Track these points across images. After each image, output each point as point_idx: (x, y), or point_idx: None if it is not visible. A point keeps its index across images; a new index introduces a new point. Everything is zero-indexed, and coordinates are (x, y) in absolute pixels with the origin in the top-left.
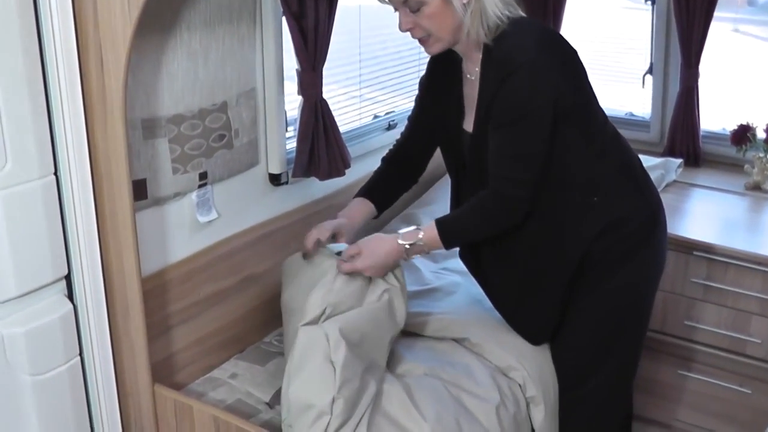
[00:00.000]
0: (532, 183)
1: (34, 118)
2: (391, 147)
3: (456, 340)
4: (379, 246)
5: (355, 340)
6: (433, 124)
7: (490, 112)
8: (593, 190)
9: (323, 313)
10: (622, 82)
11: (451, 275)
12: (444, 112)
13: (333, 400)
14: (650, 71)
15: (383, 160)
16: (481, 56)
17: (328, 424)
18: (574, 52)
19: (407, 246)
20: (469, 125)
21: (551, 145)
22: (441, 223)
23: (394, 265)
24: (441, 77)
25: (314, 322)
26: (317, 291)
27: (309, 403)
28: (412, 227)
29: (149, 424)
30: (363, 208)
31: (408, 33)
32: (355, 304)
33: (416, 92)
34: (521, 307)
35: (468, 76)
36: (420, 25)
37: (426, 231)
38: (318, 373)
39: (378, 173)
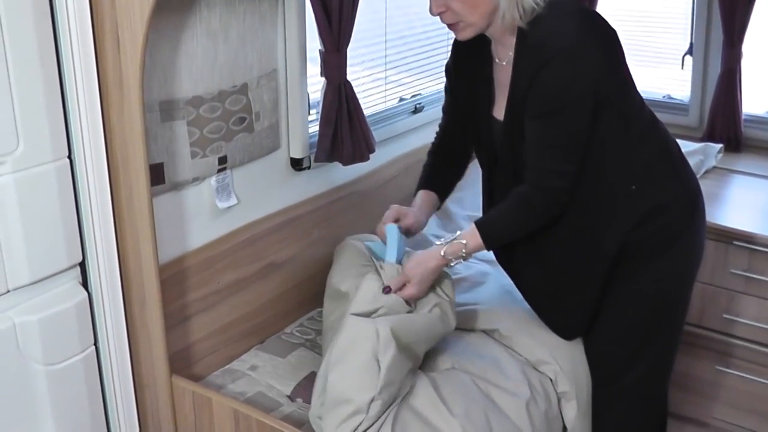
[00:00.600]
0: (573, 173)
1: (47, 100)
2: (434, 140)
3: (485, 332)
4: (425, 268)
5: (404, 344)
6: (465, 112)
7: (526, 101)
8: (630, 178)
9: (376, 311)
10: (659, 63)
11: (479, 264)
12: (473, 99)
13: (372, 400)
14: (690, 51)
15: (429, 154)
16: (514, 40)
17: (360, 424)
18: (614, 33)
19: (452, 260)
20: (499, 113)
21: (590, 132)
22: (483, 228)
23: (437, 275)
24: (467, 61)
25: (366, 315)
26: (373, 283)
27: (346, 398)
28: (454, 237)
29: (166, 416)
30: (429, 199)
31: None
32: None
33: (444, 74)
34: (554, 301)
35: (498, 60)
36: (452, 8)
37: (469, 240)
38: (361, 369)
39: (427, 167)
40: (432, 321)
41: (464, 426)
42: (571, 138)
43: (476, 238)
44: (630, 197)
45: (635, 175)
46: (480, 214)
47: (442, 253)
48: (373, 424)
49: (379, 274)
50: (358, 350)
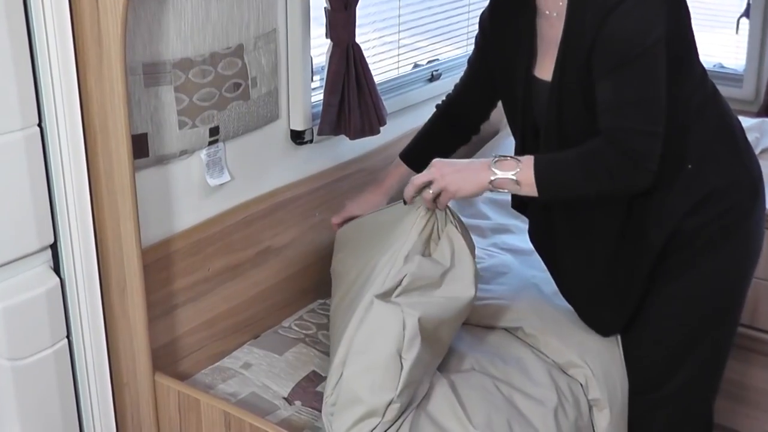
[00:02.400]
0: (660, 134)
1: (14, 60)
2: (448, 94)
3: (507, 330)
4: (463, 161)
5: (429, 332)
6: (495, 70)
7: (586, 59)
8: (686, 157)
9: (399, 283)
10: (710, 27)
11: (501, 254)
12: (509, 56)
13: (390, 403)
14: (746, 14)
15: (436, 107)
16: None
17: (374, 429)
18: None
19: (498, 173)
20: (543, 72)
21: None
22: (540, 162)
23: (479, 186)
24: (507, 12)
25: (388, 294)
26: (389, 251)
27: (360, 397)
28: (510, 156)
29: (148, 419)
30: (397, 174)
31: None
32: (435, 280)
33: (465, 38)
34: (592, 294)
35: (547, 12)
36: None
37: (522, 167)
38: (383, 366)
39: (427, 124)
40: (457, 294)
41: None
42: (654, 90)
43: (530, 169)
44: (685, 178)
45: (692, 153)
46: (505, 197)
47: (491, 166)
48: (387, 429)
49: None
50: (381, 343)
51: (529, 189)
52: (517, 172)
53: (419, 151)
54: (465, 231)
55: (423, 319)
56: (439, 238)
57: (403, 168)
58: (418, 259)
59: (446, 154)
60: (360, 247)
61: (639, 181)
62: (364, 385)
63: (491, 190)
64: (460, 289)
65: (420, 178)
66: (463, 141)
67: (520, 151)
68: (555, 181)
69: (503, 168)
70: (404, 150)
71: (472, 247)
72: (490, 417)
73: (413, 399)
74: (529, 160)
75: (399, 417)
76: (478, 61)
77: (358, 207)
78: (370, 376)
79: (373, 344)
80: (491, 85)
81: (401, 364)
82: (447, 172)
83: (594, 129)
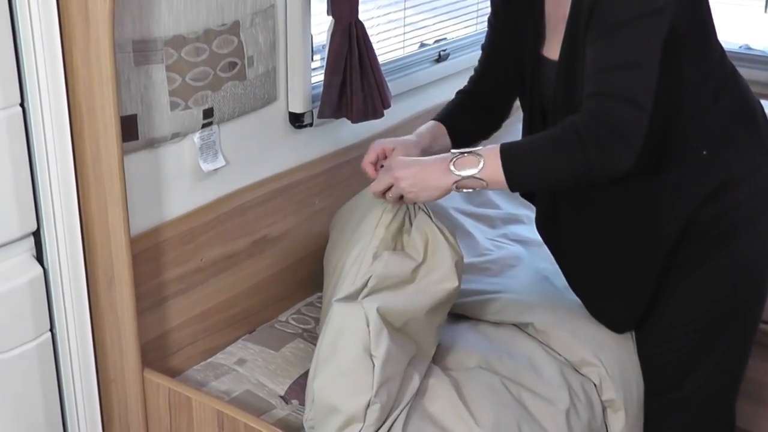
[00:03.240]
0: (646, 110)
1: None
2: (467, 81)
3: (516, 326)
4: (422, 173)
5: (398, 324)
6: (509, 51)
7: (589, 27)
8: (702, 141)
9: (365, 284)
10: (736, 4)
11: (511, 245)
12: (519, 35)
13: (368, 405)
14: None
15: (457, 93)
16: None
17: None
18: None
19: (459, 175)
20: (552, 51)
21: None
22: (507, 149)
23: (440, 191)
24: None
25: (353, 297)
26: (355, 249)
27: (335, 406)
28: (470, 150)
29: (136, 418)
30: (436, 130)
31: None
32: (407, 277)
33: (475, 16)
34: (602, 289)
35: None
36: None
37: (487, 157)
38: (352, 368)
39: (455, 103)
40: (430, 287)
41: None
42: (646, 56)
43: (495, 159)
44: (700, 165)
45: (708, 138)
46: None
47: (450, 166)
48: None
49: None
50: (345, 345)
51: (498, 185)
52: (481, 169)
53: (458, 121)
54: (441, 218)
55: (383, 309)
56: (411, 226)
57: (443, 130)
58: (386, 256)
59: (480, 135)
60: (341, 237)
61: (620, 158)
62: (337, 392)
63: (458, 191)
64: (435, 280)
65: (378, 185)
66: (494, 126)
67: (527, 132)
68: (525, 170)
69: (464, 166)
70: (441, 116)
71: (451, 233)
72: (497, 417)
73: (399, 397)
74: (493, 151)
75: (385, 418)
76: (492, 44)
77: (392, 142)
78: (341, 382)
79: (339, 348)
80: (509, 68)
81: (372, 362)
82: (403, 176)
83: None
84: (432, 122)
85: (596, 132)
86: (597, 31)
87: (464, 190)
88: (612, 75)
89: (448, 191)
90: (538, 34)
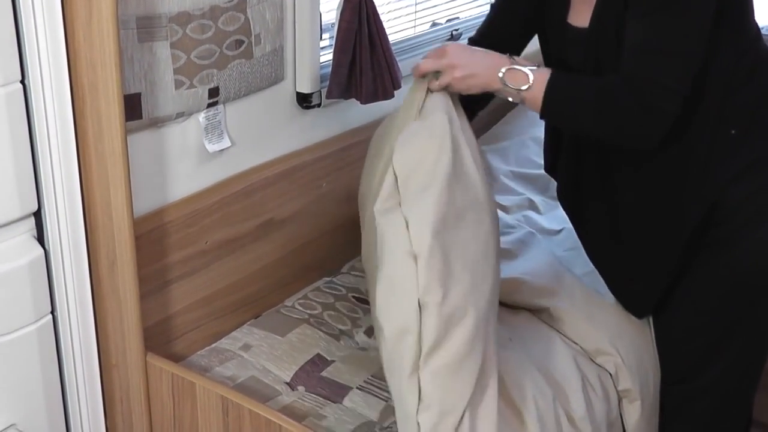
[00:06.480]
0: (682, 96)
1: None
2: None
3: (530, 311)
4: (479, 53)
5: (449, 223)
6: (525, 18)
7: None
8: (729, 121)
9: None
10: None
11: (526, 227)
12: (541, 2)
13: (418, 309)
14: None
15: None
16: None
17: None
18: None
19: (507, 70)
20: (578, 19)
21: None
22: (554, 80)
23: (485, 88)
24: None
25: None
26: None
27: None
28: (522, 67)
29: (139, 403)
30: None
31: None
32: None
33: None
34: (627, 263)
35: None
36: None
37: (535, 84)
38: (398, 276)
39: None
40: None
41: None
42: (688, 43)
43: (541, 85)
44: (728, 144)
45: (737, 117)
46: (529, 171)
47: (498, 73)
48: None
49: None
50: (389, 254)
51: (533, 107)
52: (527, 89)
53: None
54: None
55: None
56: None
57: None
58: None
59: (476, 107)
60: (372, 163)
61: (649, 136)
62: (389, 306)
63: (497, 91)
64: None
65: (427, 65)
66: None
67: None
68: (562, 108)
69: (513, 79)
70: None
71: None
72: (539, 406)
73: (463, 309)
74: (543, 77)
75: (444, 328)
76: (507, 3)
77: None
78: (389, 294)
79: (384, 260)
80: (523, 25)
81: (414, 261)
82: (461, 63)
83: None
84: None
85: (634, 112)
86: (640, 9)
87: (504, 92)
88: (651, 59)
89: (490, 89)
90: (565, 3)
